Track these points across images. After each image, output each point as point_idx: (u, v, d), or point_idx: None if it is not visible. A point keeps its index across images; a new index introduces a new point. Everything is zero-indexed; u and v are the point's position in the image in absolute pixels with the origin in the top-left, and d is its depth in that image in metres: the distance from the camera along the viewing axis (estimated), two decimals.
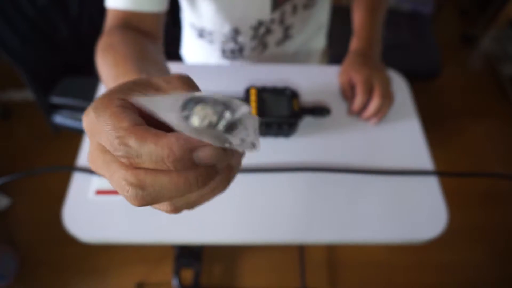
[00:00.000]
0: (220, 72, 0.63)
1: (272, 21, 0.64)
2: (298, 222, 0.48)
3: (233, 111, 0.18)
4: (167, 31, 0.66)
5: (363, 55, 0.61)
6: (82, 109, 1.00)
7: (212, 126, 0.18)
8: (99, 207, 0.47)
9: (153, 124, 0.19)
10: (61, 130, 1.09)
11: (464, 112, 1.74)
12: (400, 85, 0.64)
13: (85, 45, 1.14)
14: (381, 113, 0.58)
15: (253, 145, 0.19)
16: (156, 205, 0.22)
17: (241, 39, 0.66)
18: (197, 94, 0.19)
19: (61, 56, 1.05)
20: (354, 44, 0.65)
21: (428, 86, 1.79)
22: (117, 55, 0.41)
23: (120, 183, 0.19)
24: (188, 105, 0.18)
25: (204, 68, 0.65)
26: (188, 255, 1.22)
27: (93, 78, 0.92)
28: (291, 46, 0.72)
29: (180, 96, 0.19)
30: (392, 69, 0.66)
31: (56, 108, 1.02)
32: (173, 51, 0.81)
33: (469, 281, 1.29)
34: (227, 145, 0.18)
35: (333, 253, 1.33)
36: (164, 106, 0.18)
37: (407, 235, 0.47)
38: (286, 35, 0.68)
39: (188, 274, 1.23)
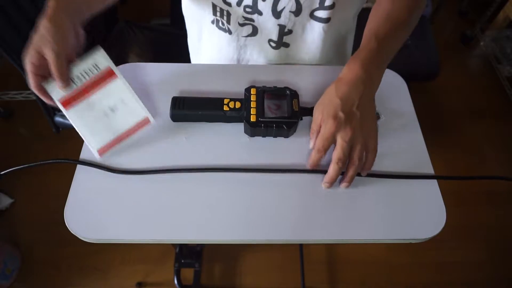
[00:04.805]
0: (221, 72, 0.64)
1: None
2: (298, 221, 0.48)
3: None
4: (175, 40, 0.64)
5: (354, 85, 0.46)
6: None
7: None
8: (101, 206, 0.48)
9: None
10: (62, 129, 1.10)
11: (463, 112, 1.75)
12: (399, 87, 0.64)
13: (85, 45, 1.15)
14: (352, 179, 0.48)
15: None
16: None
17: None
18: None
19: None
20: (350, 66, 0.47)
21: (428, 86, 1.79)
22: None
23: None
24: None
25: (204, 68, 0.65)
26: (189, 255, 1.23)
27: None
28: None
29: None
30: (391, 70, 0.66)
31: (58, 108, 1.03)
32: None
33: (468, 281, 1.30)
34: None
35: (332, 252, 1.33)
36: None
37: (405, 234, 0.48)
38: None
39: (188, 274, 1.23)
